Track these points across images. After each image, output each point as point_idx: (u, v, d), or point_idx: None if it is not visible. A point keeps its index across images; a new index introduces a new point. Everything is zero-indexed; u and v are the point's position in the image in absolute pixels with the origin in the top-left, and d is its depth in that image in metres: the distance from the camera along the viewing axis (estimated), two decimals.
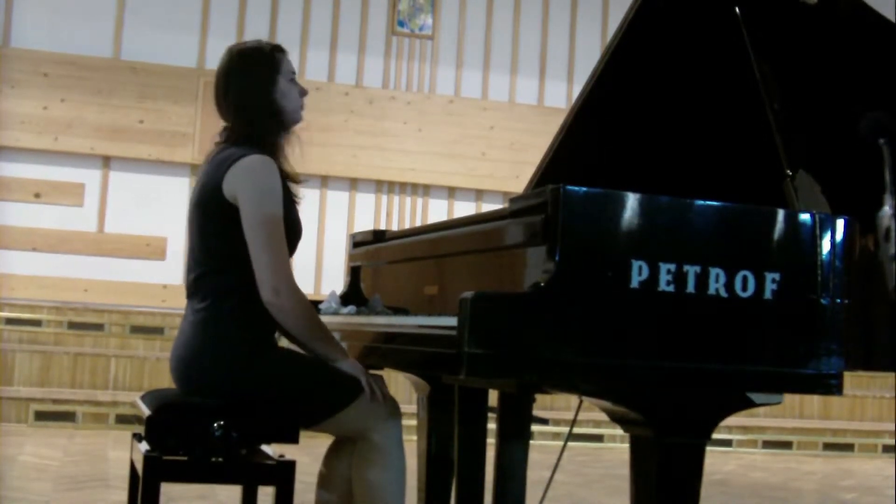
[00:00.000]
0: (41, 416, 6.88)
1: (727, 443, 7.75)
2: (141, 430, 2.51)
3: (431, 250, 2.73)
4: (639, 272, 2.02)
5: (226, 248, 2.54)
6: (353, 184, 8.61)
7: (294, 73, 2.69)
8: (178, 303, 7.92)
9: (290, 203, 2.60)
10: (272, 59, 2.63)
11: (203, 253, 2.59)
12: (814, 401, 8.35)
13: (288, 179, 2.62)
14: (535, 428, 3.57)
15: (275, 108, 2.61)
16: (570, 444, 3.39)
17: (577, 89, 3.27)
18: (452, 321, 2.00)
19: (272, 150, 2.60)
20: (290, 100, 2.65)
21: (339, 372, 2.59)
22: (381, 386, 2.55)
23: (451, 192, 8.87)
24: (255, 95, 2.60)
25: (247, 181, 2.50)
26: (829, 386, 2.14)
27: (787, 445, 7.98)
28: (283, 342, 2.68)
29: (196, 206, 2.61)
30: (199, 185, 2.62)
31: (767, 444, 7.93)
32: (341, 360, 2.54)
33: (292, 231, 2.59)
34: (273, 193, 2.52)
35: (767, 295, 2.10)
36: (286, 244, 2.52)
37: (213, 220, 2.55)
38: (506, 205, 2.27)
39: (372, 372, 2.59)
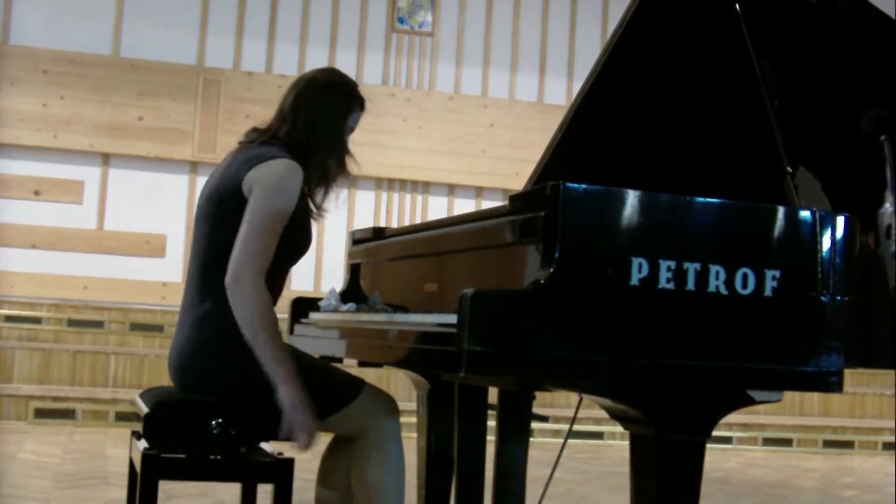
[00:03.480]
0: (41, 413, 6.88)
1: (727, 440, 7.75)
2: (140, 427, 2.50)
3: (431, 247, 2.72)
4: (639, 269, 2.02)
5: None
6: (353, 181, 8.59)
7: (353, 130, 2.74)
8: (178, 300, 7.87)
9: (305, 213, 2.61)
10: (350, 107, 2.69)
11: (213, 247, 2.57)
12: (814, 398, 8.35)
13: (309, 198, 2.65)
14: (535, 425, 3.57)
15: (332, 135, 2.66)
16: (571, 441, 3.39)
17: (578, 86, 3.26)
18: (452, 318, 2.00)
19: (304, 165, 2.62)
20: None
21: (337, 371, 2.58)
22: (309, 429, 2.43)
23: (451, 190, 8.86)
24: (325, 117, 2.65)
25: (266, 177, 2.51)
26: (830, 383, 2.14)
27: (787, 443, 7.99)
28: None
29: (209, 199, 2.60)
30: (216, 180, 2.61)
31: (768, 442, 7.94)
32: (281, 381, 2.39)
33: (300, 239, 2.59)
34: (286, 192, 2.51)
35: (768, 292, 2.10)
36: (275, 244, 2.48)
37: (229, 215, 2.53)
38: (506, 202, 2.27)
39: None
